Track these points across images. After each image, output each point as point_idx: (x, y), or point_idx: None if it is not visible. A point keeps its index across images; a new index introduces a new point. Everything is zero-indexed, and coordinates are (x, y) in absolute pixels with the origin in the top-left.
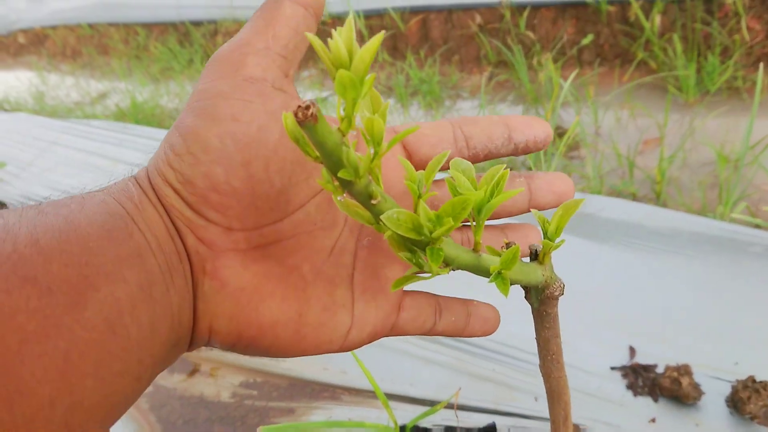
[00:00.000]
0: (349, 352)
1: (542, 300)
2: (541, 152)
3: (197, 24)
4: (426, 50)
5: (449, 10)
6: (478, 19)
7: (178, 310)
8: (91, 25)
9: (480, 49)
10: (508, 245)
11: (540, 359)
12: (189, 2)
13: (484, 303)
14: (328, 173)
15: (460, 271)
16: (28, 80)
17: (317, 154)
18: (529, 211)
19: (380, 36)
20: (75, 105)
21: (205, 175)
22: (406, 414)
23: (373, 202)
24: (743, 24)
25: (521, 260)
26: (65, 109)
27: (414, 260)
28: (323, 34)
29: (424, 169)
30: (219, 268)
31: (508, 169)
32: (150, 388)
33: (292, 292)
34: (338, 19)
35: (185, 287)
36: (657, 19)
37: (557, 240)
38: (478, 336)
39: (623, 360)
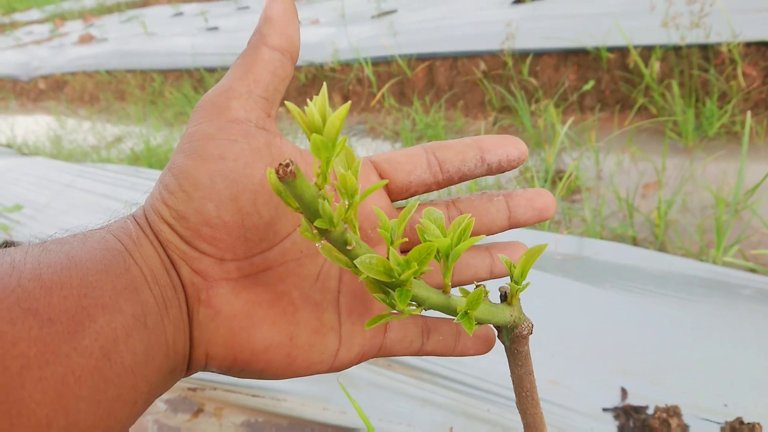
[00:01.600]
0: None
1: (513, 339)
2: None
3: (211, 71)
4: (432, 96)
5: (454, 58)
6: (483, 66)
7: (173, 339)
8: (108, 72)
9: (484, 94)
10: (477, 286)
11: (516, 396)
12: (204, 50)
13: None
14: (307, 222)
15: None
16: (47, 124)
17: (297, 205)
18: (510, 229)
19: (347, 105)
20: (91, 149)
21: (197, 210)
22: None
23: (349, 248)
24: (739, 71)
25: (491, 301)
26: (81, 153)
27: (387, 301)
28: (333, 80)
29: (400, 194)
30: (213, 297)
31: (473, 219)
32: (153, 427)
33: (282, 317)
34: (347, 66)
35: (180, 317)
36: (656, 65)
37: (523, 283)
38: (471, 355)
39: (615, 401)
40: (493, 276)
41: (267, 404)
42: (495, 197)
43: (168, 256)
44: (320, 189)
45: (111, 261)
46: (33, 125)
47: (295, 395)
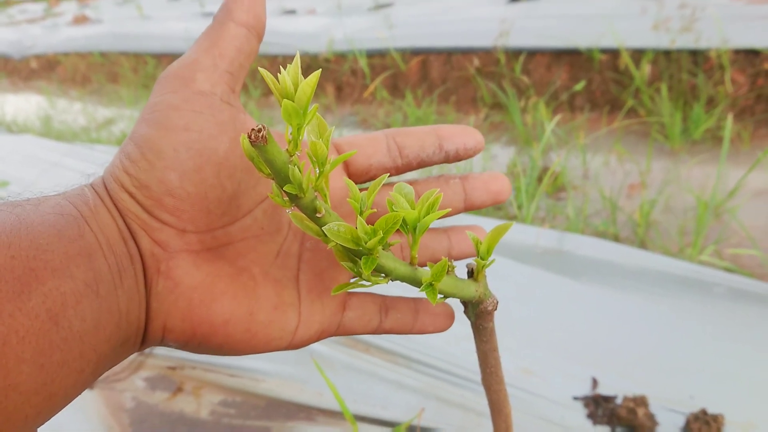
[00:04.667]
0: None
1: (478, 314)
2: (525, 191)
3: None
4: (424, 90)
5: (449, 53)
6: (476, 62)
7: (126, 309)
8: (102, 54)
9: (477, 90)
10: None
11: (481, 372)
12: (198, 35)
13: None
14: (278, 188)
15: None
16: (37, 104)
17: (269, 171)
18: (465, 211)
19: (318, 73)
20: (81, 130)
21: (160, 180)
22: None
23: (318, 215)
24: (727, 77)
25: (457, 276)
26: (71, 133)
27: (355, 269)
28: (327, 71)
29: (360, 177)
30: (172, 269)
31: (441, 194)
32: (131, 404)
33: (242, 292)
34: (342, 57)
35: (135, 287)
36: (646, 68)
37: (489, 259)
38: (430, 332)
39: (586, 390)
40: (451, 258)
41: (245, 384)
42: (452, 180)
43: (127, 226)
44: (291, 155)
45: (64, 226)
46: (23, 104)
47: (273, 376)
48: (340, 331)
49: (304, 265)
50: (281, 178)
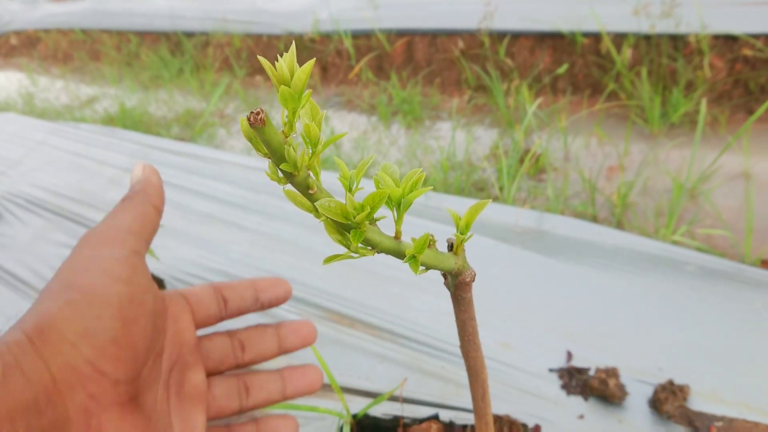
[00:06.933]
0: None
1: (457, 285)
2: (507, 172)
3: (189, 35)
4: (409, 71)
5: (434, 34)
6: (461, 44)
7: None
8: (84, 31)
9: (461, 73)
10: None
11: (460, 340)
12: (183, 13)
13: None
14: (274, 167)
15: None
16: (18, 81)
17: (266, 151)
18: (281, 355)
19: (312, 61)
20: (64, 108)
21: (108, 328)
22: (361, 406)
23: (311, 192)
24: (706, 62)
25: (438, 250)
26: (54, 112)
27: (344, 242)
28: (312, 51)
29: (200, 324)
30: (104, 422)
31: (424, 173)
32: None
33: (154, 429)
34: (327, 38)
35: None
36: (627, 52)
37: (467, 234)
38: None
39: (561, 363)
40: (285, 397)
41: None
42: (268, 329)
43: (55, 383)
44: (287, 136)
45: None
46: (4, 81)
47: None
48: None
49: (172, 389)
50: (277, 157)
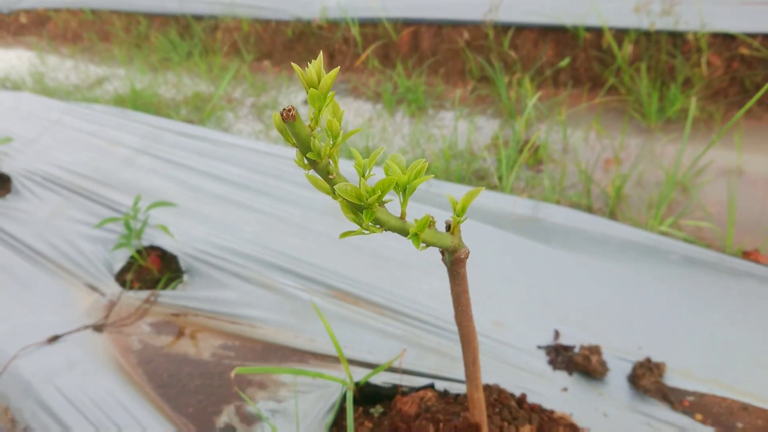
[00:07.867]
0: (314, 326)
1: (453, 261)
2: (506, 162)
3: (198, 18)
4: (414, 61)
5: (439, 25)
6: (466, 35)
7: None
8: (93, 11)
9: (465, 63)
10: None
11: (454, 311)
12: None
13: None
14: (301, 155)
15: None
16: (28, 60)
17: (294, 141)
18: None
19: (336, 70)
20: (74, 87)
21: None
22: (363, 376)
23: (330, 177)
24: (703, 59)
25: (437, 230)
26: (65, 91)
27: (357, 220)
28: (320, 37)
29: None
30: None
31: (427, 163)
32: (138, 346)
33: None
34: (334, 25)
35: None
36: (628, 48)
37: (463, 217)
38: None
39: (548, 340)
40: None
41: (244, 330)
42: None
43: None
44: (312, 130)
45: None
46: (14, 60)
47: (270, 324)
48: None
49: None
50: (304, 147)
